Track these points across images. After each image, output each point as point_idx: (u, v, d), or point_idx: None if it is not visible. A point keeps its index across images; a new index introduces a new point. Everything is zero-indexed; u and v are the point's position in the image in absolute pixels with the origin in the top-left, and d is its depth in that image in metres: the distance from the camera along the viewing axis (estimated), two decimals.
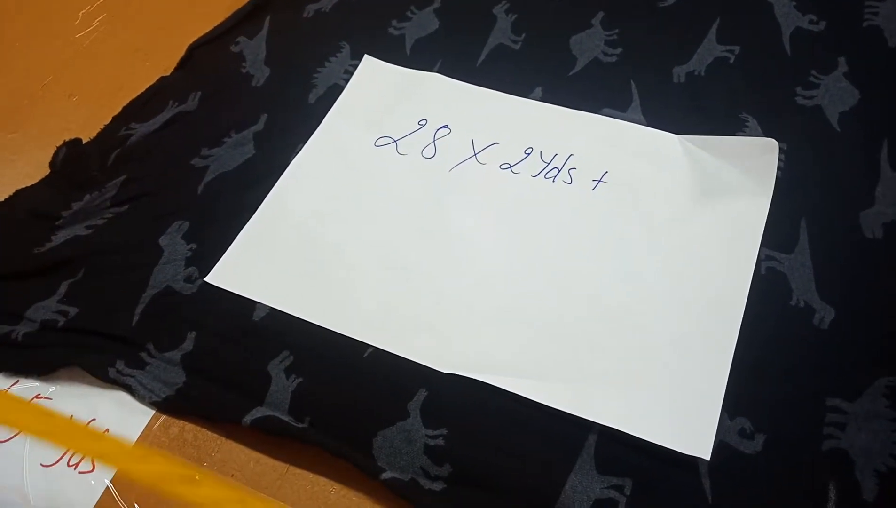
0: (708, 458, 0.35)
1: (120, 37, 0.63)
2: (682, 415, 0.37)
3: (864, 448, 0.35)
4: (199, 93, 0.56)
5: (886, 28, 0.51)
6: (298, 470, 0.38)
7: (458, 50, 0.56)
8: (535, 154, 0.49)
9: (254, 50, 0.59)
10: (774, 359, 0.38)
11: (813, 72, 0.50)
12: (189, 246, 0.47)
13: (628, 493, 0.35)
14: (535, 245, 0.45)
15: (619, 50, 0.54)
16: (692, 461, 0.35)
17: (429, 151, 0.50)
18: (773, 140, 0.45)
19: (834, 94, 0.49)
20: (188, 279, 0.46)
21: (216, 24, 0.61)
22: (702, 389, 0.37)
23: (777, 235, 0.43)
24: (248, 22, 0.61)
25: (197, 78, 0.58)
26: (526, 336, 0.41)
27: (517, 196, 0.47)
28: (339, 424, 0.39)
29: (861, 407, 0.36)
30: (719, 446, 0.36)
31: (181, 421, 0.41)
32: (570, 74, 0.53)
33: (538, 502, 0.35)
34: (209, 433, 0.40)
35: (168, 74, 0.59)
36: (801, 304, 0.40)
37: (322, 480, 0.38)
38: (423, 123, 0.52)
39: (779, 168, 0.45)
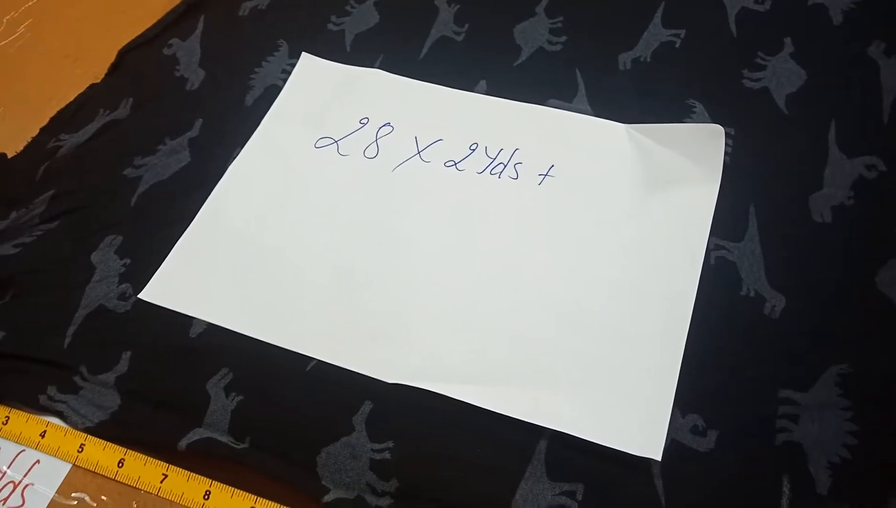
0: (659, 458, 0.34)
1: (48, 43, 0.60)
2: (633, 416, 0.36)
3: (817, 439, 0.34)
4: (131, 99, 0.54)
5: (831, 6, 0.51)
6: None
7: (399, 44, 0.54)
8: (480, 150, 0.48)
9: (187, 52, 0.56)
10: (726, 352, 0.38)
11: (759, 53, 0.49)
12: (122, 262, 0.45)
13: (580, 498, 0.34)
14: (482, 245, 0.43)
15: (563, 38, 0.53)
16: (644, 461, 0.35)
17: (371, 151, 0.49)
18: (719, 126, 0.44)
19: (781, 75, 0.48)
20: (122, 297, 0.44)
21: (148, 26, 0.59)
22: (653, 387, 0.36)
23: (726, 223, 0.42)
24: (182, 23, 0.59)
25: (128, 84, 0.55)
26: (473, 341, 0.40)
27: (462, 195, 0.46)
28: (281, 442, 0.37)
29: (813, 398, 0.35)
30: (671, 444, 0.35)
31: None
32: (515, 64, 0.52)
33: None
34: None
35: (98, 80, 0.56)
36: (752, 293, 0.39)
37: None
38: (365, 121, 0.50)
39: (727, 154, 0.44)
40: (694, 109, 0.47)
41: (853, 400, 0.35)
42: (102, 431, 0.39)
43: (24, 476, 0.38)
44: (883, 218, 0.41)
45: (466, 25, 0.55)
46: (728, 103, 0.47)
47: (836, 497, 0.33)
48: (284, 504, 0.36)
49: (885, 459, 0.34)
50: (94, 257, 0.45)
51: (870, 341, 0.37)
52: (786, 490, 0.33)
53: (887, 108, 0.45)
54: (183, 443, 0.37)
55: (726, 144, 0.44)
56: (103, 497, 0.37)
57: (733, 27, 0.51)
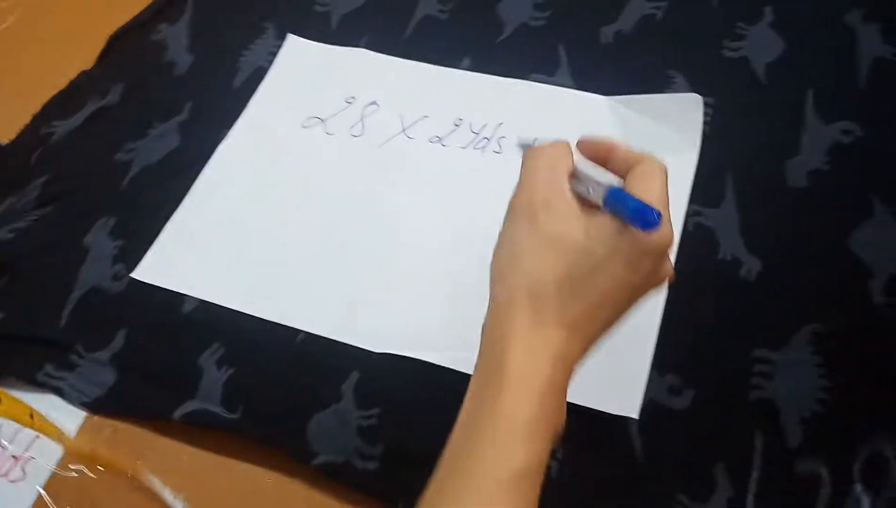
0: (636, 417, 0.35)
1: (38, 31, 0.61)
2: (612, 377, 0.36)
3: (790, 395, 0.35)
4: (122, 85, 0.55)
5: None
6: (234, 461, 0.38)
7: (385, 24, 0.55)
8: (465, 125, 0.49)
9: (176, 37, 0.57)
10: (703, 314, 0.39)
11: (739, 23, 0.50)
12: (115, 243, 0.46)
13: (560, 457, 0.35)
14: (467, 219, 0.44)
15: (547, 13, 0.53)
16: (622, 420, 0.36)
17: (357, 130, 0.50)
18: (698, 95, 0.44)
19: (760, 44, 0.49)
20: (116, 277, 0.45)
21: (138, 11, 0.59)
22: (631, 349, 0.37)
23: (704, 190, 0.43)
24: (170, 8, 0.59)
25: (119, 70, 0.56)
26: (458, 310, 0.40)
27: (447, 169, 0.47)
28: (272, 411, 0.39)
29: (786, 356, 0.36)
30: (649, 404, 0.36)
31: (114, 421, 0.40)
32: (498, 40, 0.53)
33: None
34: (141, 430, 0.40)
35: (89, 67, 0.57)
36: (729, 257, 0.40)
37: (258, 469, 0.38)
38: (351, 100, 0.51)
39: (706, 122, 0.45)
40: (674, 80, 0.48)
41: (825, 357, 0.36)
42: (99, 406, 0.41)
43: (25, 451, 0.39)
44: (858, 182, 0.42)
45: (450, 4, 0.55)
46: (708, 73, 0.48)
47: (806, 450, 0.34)
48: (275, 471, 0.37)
49: (854, 413, 0.34)
50: (88, 239, 0.47)
51: (843, 300, 0.38)
52: (758, 444, 0.34)
53: (864, 73, 0.46)
54: (177, 413, 0.39)
55: (705, 113, 0.45)
56: (101, 469, 0.38)
57: None
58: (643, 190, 0.28)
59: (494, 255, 0.30)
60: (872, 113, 0.44)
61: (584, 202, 0.29)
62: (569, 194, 0.29)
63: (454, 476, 0.27)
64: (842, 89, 0.46)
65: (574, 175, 0.30)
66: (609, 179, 0.29)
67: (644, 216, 0.26)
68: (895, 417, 0.34)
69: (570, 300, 0.27)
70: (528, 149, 0.31)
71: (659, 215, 0.26)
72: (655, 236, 0.26)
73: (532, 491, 0.26)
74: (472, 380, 0.29)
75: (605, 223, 0.27)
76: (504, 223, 0.30)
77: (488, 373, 0.28)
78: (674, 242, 0.39)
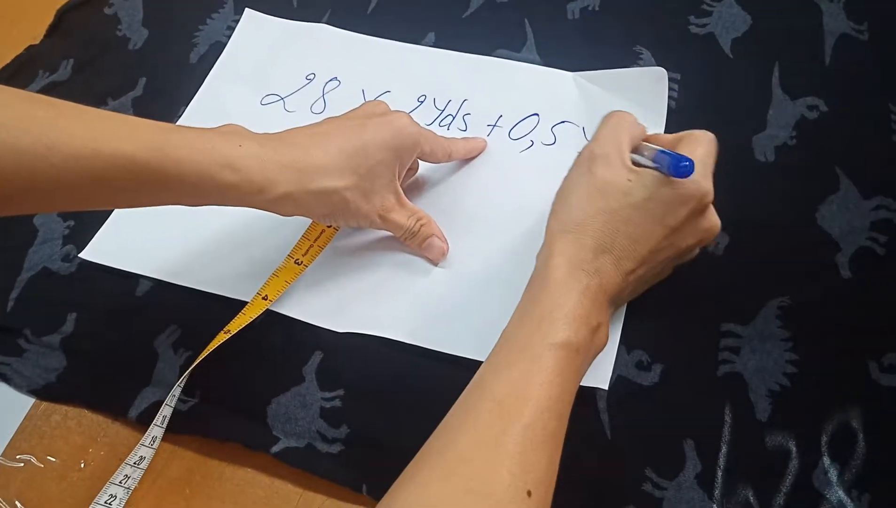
0: (606, 388, 0.35)
1: None
2: None
3: (758, 369, 0.35)
4: (72, 60, 0.53)
5: None
6: (186, 451, 0.37)
7: None
8: (429, 102, 0.47)
9: (129, 11, 0.55)
10: (671, 289, 0.38)
11: None
12: (66, 223, 0.44)
13: None
14: (430, 197, 0.43)
15: None
16: (591, 398, 0.35)
17: (318, 107, 0.48)
18: (662, 69, 0.44)
19: (726, 20, 0.48)
20: (66, 258, 0.43)
21: None
22: None
23: None
24: None
25: (69, 44, 0.54)
26: (421, 288, 0.40)
27: None
28: (231, 394, 0.37)
29: (755, 330, 0.36)
30: (617, 380, 0.35)
31: (64, 407, 0.38)
32: (464, 16, 0.51)
33: None
34: (94, 416, 0.38)
35: (37, 42, 0.55)
36: None
37: (211, 457, 0.36)
38: (312, 77, 0.50)
39: (672, 98, 0.44)
40: (641, 56, 0.47)
41: (793, 331, 0.36)
42: (49, 393, 0.39)
43: None
44: (824, 156, 0.41)
45: None
46: (674, 49, 0.47)
47: (774, 424, 0.34)
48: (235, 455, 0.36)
49: (821, 386, 0.34)
50: (37, 220, 0.45)
51: (810, 274, 0.38)
52: (727, 418, 0.34)
53: (829, 50, 0.45)
54: (133, 413, 0.37)
55: (672, 88, 0.45)
56: (51, 458, 0.37)
57: None
58: (688, 151, 0.33)
59: (555, 198, 0.35)
60: (836, 88, 0.44)
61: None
62: (626, 153, 0.34)
63: (501, 352, 0.30)
64: (807, 65, 0.45)
65: (636, 150, 0.34)
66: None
67: (678, 163, 0.30)
68: (862, 390, 0.34)
69: (608, 230, 0.32)
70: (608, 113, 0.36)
71: (692, 163, 0.30)
72: (689, 185, 0.31)
73: (574, 366, 0.30)
74: (522, 298, 0.33)
75: (649, 174, 0.32)
76: (569, 170, 0.35)
77: (536, 285, 0.32)
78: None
